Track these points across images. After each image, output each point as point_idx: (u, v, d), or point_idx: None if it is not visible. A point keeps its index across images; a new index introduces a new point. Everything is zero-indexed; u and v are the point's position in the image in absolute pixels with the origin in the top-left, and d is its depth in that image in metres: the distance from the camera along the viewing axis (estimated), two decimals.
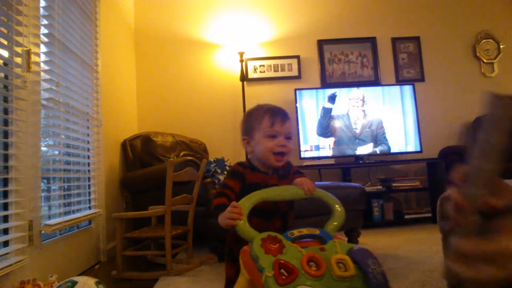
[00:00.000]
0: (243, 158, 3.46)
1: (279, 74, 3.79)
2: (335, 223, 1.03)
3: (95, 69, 2.49)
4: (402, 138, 3.56)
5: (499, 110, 0.42)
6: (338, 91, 3.56)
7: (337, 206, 1.05)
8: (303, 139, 3.48)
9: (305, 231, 0.95)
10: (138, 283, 1.98)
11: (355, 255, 0.84)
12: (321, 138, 3.51)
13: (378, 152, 3.51)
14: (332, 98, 3.54)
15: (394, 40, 3.92)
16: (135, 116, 3.63)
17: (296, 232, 0.93)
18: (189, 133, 3.55)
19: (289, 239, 0.90)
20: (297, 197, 1.05)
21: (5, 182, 1.54)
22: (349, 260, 0.82)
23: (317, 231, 0.95)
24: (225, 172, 2.98)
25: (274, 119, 1.18)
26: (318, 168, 3.41)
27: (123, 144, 3.07)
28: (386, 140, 3.53)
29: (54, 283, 1.49)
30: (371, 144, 3.51)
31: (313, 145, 3.49)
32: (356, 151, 3.49)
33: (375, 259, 0.82)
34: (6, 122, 1.57)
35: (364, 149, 3.50)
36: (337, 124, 3.52)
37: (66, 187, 2.11)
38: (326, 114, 3.52)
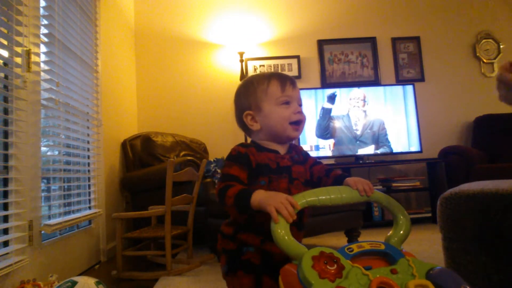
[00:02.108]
0: None
1: None
2: (400, 235, 0.82)
3: (95, 69, 2.49)
4: (403, 139, 3.56)
5: None
6: (338, 91, 3.55)
7: (400, 213, 0.86)
8: (303, 139, 3.48)
9: (366, 245, 0.74)
10: (138, 283, 1.99)
11: (439, 280, 0.66)
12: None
13: (379, 152, 3.51)
14: (331, 98, 3.53)
15: (394, 40, 3.92)
16: (135, 116, 3.63)
17: (355, 248, 0.73)
18: (189, 133, 3.55)
19: (348, 257, 0.70)
20: (352, 201, 0.85)
21: (5, 182, 1.54)
22: (432, 286, 0.65)
23: (382, 246, 0.75)
24: None
25: (284, 83, 0.99)
26: None
27: (123, 144, 3.07)
28: (388, 142, 3.52)
29: (54, 283, 1.49)
30: (373, 146, 3.51)
31: (313, 145, 3.49)
32: (357, 153, 3.49)
33: (466, 286, 0.65)
34: (6, 122, 1.57)
35: (365, 151, 3.50)
36: (337, 124, 3.51)
37: (66, 187, 2.11)
38: (326, 114, 3.51)
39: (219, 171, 2.91)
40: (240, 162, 0.93)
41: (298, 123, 0.98)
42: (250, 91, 1.01)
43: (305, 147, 3.46)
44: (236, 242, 0.96)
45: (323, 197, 0.81)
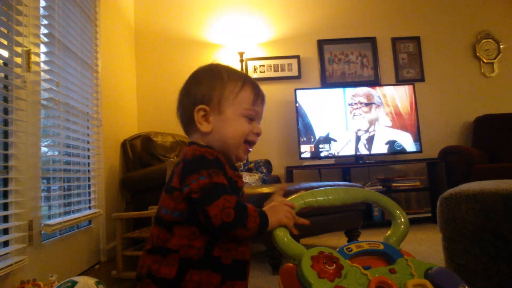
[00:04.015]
0: None
1: (279, 74, 3.79)
2: (398, 235, 0.82)
3: (95, 69, 2.49)
4: (404, 139, 3.56)
5: None
6: (338, 91, 3.56)
7: (398, 213, 0.85)
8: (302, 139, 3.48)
9: (365, 245, 0.75)
10: None
11: (438, 279, 0.66)
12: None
13: (379, 152, 3.51)
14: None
15: (394, 40, 3.92)
16: (135, 116, 3.63)
17: (354, 247, 0.73)
18: None
19: (347, 257, 0.71)
20: (349, 202, 0.84)
21: (5, 182, 1.54)
22: (430, 286, 0.65)
23: (380, 246, 0.75)
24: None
25: (257, 95, 0.83)
26: (318, 168, 3.41)
27: (123, 144, 3.07)
28: (389, 142, 3.53)
29: (54, 283, 1.49)
30: (373, 146, 3.51)
31: (313, 145, 3.49)
32: (357, 153, 3.49)
33: (464, 285, 0.66)
34: (6, 122, 1.57)
35: (366, 151, 3.50)
36: (337, 125, 3.51)
37: (66, 187, 2.11)
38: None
39: None
40: (222, 169, 0.75)
41: (251, 144, 0.84)
42: (217, 83, 0.81)
43: (305, 147, 3.46)
44: None
45: (321, 198, 0.81)
